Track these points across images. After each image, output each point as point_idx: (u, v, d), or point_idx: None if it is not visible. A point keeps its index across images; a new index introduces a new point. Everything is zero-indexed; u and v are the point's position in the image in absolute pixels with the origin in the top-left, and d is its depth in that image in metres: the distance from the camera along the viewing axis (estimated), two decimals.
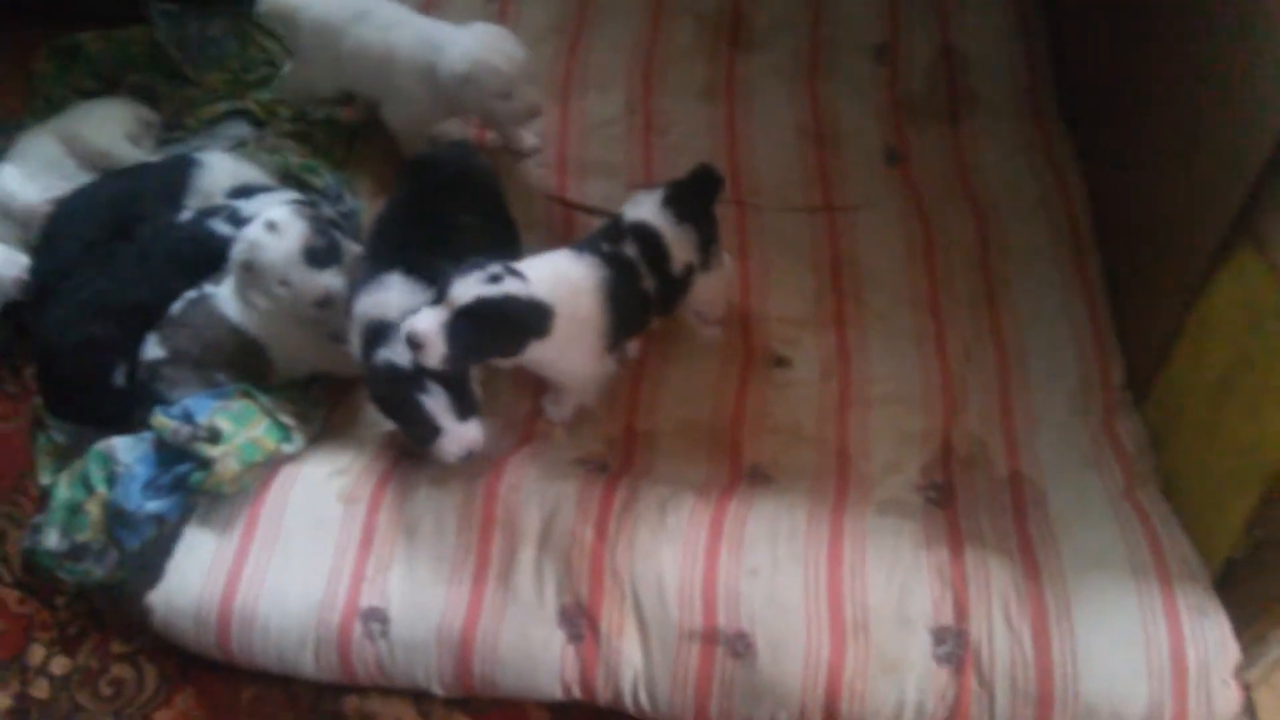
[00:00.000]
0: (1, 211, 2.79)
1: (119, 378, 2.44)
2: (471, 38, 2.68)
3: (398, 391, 2.16)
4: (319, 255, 2.36)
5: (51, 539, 2.21)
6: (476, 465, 2.27)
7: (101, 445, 2.27)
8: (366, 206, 2.88)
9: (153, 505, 2.17)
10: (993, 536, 2.22)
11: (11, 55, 3.36)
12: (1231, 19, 2.14)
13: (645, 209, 2.38)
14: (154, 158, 2.96)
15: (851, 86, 3.20)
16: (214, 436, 2.20)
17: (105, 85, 3.25)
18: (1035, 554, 2.18)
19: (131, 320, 2.44)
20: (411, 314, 2.07)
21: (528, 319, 2.11)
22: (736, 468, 2.40)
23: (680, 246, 2.36)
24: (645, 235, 2.34)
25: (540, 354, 2.17)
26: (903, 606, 2.08)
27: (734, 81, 3.23)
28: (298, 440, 2.33)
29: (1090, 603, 2.08)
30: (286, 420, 2.34)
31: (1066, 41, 3.20)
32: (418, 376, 2.13)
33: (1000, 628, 2.06)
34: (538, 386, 2.43)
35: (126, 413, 2.38)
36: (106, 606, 2.33)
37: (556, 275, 2.19)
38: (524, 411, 2.48)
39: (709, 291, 2.51)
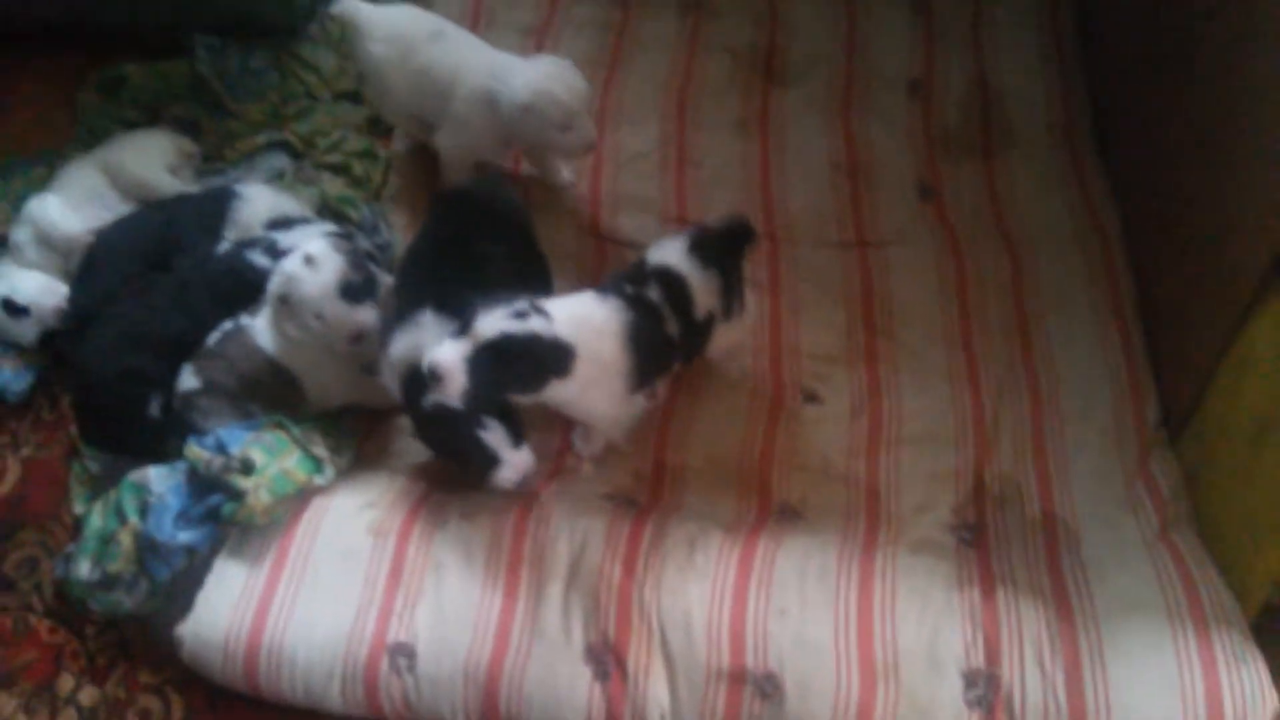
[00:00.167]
0: (43, 241, 2.82)
1: (154, 408, 2.46)
2: (536, 69, 2.69)
3: (458, 432, 2.17)
4: (355, 290, 2.37)
5: (83, 569, 2.23)
6: (506, 499, 2.27)
7: (135, 475, 2.29)
8: (400, 239, 2.90)
9: (184, 536, 2.19)
10: (1025, 578, 2.20)
11: (58, 85, 3.41)
12: (1270, 52, 2.13)
13: (670, 253, 2.38)
14: (193, 189, 3.00)
15: (885, 120, 3.21)
16: (247, 468, 2.21)
17: (148, 116, 3.29)
18: (1068, 596, 2.15)
19: (168, 351, 2.46)
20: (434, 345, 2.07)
21: (550, 358, 2.12)
22: (765, 504, 2.39)
23: (704, 292, 2.36)
24: (669, 279, 2.34)
25: (561, 393, 2.18)
26: (934, 649, 2.06)
27: (767, 115, 3.24)
28: (329, 472, 2.34)
29: (1124, 647, 2.05)
30: (319, 452, 2.35)
31: (1101, 75, 3.19)
32: (474, 413, 2.14)
33: (1032, 671, 2.03)
34: (567, 421, 2.44)
35: (161, 443, 2.40)
36: (136, 637, 2.34)
37: (580, 317, 2.19)
38: (553, 446, 2.48)
39: (727, 340, 2.50)
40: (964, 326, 2.72)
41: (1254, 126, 2.20)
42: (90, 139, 3.17)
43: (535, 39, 3.43)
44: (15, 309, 2.70)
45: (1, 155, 3.24)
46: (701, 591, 2.12)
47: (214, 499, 2.21)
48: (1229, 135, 2.29)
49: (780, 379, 2.63)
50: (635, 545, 2.19)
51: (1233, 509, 2.20)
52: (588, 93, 2.71)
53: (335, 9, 2.95)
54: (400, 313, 2.33)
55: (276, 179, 3.14)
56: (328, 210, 2.99)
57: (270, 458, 2.26)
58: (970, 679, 2.04)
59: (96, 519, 2.27)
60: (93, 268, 2.71)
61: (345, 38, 3.09)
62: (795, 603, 2.10)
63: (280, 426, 2.35)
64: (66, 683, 2.33)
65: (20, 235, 2.84)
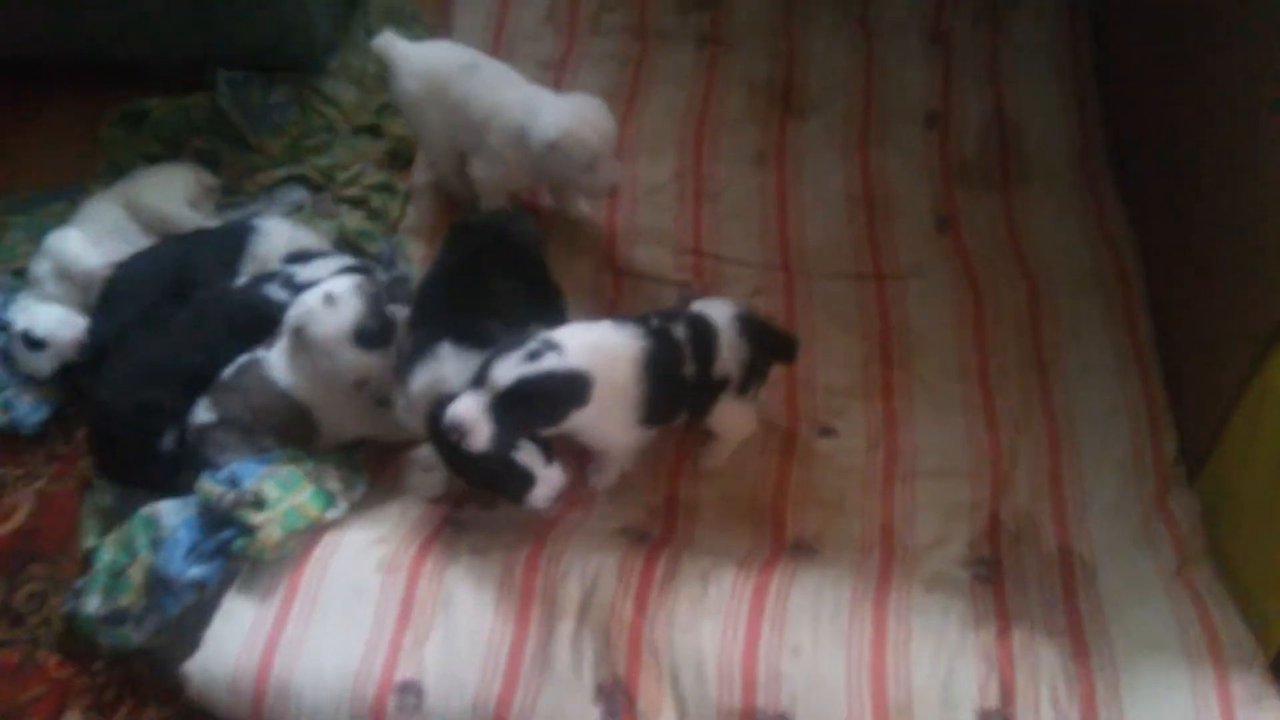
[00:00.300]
0: (62, 274, 2.84)
1: (169, 441, 2.47)
2: (566, 107, 2.69)
3: (494, 460, 2.16)
4: (368, 337, 2.38)
5: (92, 603, 2.24)
6: (518, 534, 2.27)
7: (147, 509, 2.30)
8: (418, 272, 2.91)
9: (195, 572, 2.19)
10: (1041, 616, 2.18)
11: (81, 119, 3.44)
12: None
13: (714, 308, 2.40)
14: (213, 222, 3.02)
15: (902, 153, 3.20)
16: (259, 503, 2.21)
17: (170, 150, 3.32)
18: (1084, 635, 2.13)
19: (184, 384, 2.47)
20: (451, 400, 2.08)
21: (569, 391, 2.12)
22: (779, 540, 2.38)
23: (730, 352, 2.35)
24: (701, 324, 2.34)
25: (580, 421, 2.18)
26: (948, 689, 2.03)
27: (785, 147, 3.24)
28: (341, 506, 2.34)
29: (1141, 687, 2.02)
30: (332, 486, 2.35)
31: (1119, 107, 3.17)
32: (503, 449, 2.15)
33: (1048, 713, 2.00)
34: (580, 455, 2.43)
35: (175, 476, 2.41)
36: (143, 673, 2.33)
37: (594, 343, 2.19)
38: (567, 479, 2.47)
39: (729, 418, 2.46)
40: (980, 360, 2.70)
41: (1273, 159, 2.17)
42: (112, 173, 3.20)
43: (554, 72, 3.44)
44: (34, 342, 2.73)
45: (23, 189, 3.29)
46: (714, 629, 2.10)
47: (225, 534, 2.21)
48: (1248, 167, 2.27)
49: (795, 412, 2.62)
50: (648, 581, 2.18)
51: (1252, 546, 2.17)
52: (614, 135, 2.70)
53: (374, 45, 2.97)
54: (419, 345, 2.34)
55: (296, 212, 3.16)
56: (346, 243, 3.01)
57: (283, 492, 2.26)
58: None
59: (107, 553, 2.28)
60: (111, 301, 2.73)
61: (384, 73, 3.10)
62: (809, 641, 2.08)
63: (294, 460, 2.35)
64: (73, 719, 2.32)
65: (40, 268, 2.86)
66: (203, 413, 2.42)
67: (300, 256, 2.72)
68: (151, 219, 2.97)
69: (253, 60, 3.42)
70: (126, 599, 2.21)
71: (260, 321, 2.52)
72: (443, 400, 2.15)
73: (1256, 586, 2.13)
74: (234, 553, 2.19)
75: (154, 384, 2.49)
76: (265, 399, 2.42)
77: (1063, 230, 2.95)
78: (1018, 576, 2.27)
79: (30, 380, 2.80)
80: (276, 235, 2.81)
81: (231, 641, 2.14)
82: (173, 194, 3.02)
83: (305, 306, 2.39)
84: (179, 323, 2.59)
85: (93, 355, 2.69)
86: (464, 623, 2.15)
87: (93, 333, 2.73)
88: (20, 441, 2.76)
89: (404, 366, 2.34)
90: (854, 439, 2.57)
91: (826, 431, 2.58)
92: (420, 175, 3.20)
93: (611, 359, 2.21)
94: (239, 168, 3.29)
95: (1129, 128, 3.09)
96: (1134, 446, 2.47)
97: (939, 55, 3.43)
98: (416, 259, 2.98)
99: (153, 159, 3.27)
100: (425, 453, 2.49)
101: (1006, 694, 2.02)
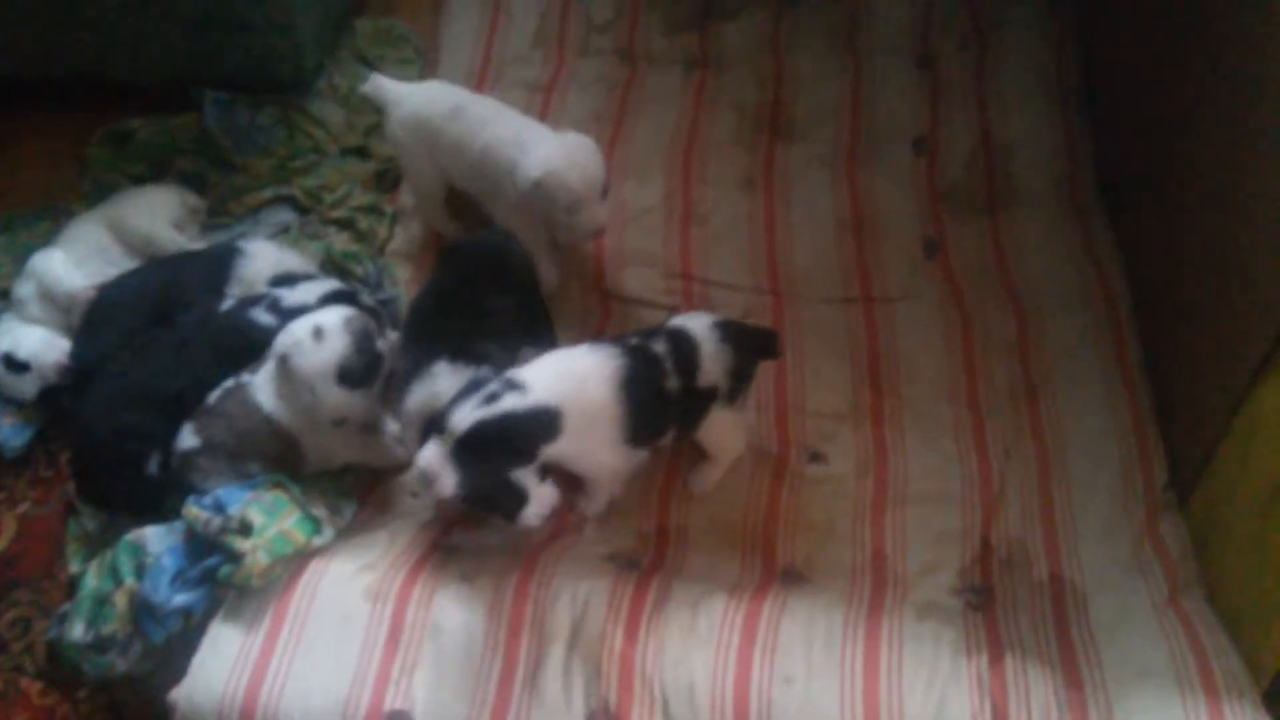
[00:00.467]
0: (46, 296, 2.82)
1: (153, 466, 2.45)
2: (555, 146, 2.65)
3: (486, 479, 2.15)
4: (352, 375, 2.35)
5: (77, 630, 2.21)
6: (507, 560, 2.25)
7: (132, 535, 2.27)
8: (405, 294, 2.90)
9: (180, 599, 2.16)
10: (1033, 643, 2.17)
11: (66, 139, 3.42)
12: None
13: (692, 320, 2.40)
14: (199, 244, 3.00)
15: (890, 177, 3.20)
16: (245, 529, 2.19)
17: (155, 170, 3.30)
18: (1077, 662, 2.12)
19: (169, 409, 2.45)
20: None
21: (533, 429, 2.12)
22: (770, 567, 2.36)
23: (713, 361, 2.34)
24: (680, 337, 2.34)
25: (560, 451, 2.18)
26: (941, 718, 2.02)
27: (773, 171, 3.23)
28: (328, 533, 2.31)
29: (1134, 716, 2.01)
30: (318, 512, 2.32)
31: (1107, 131, 3.18)
32: (475, 498, 2.15)
33: None
34: (568, 482, 2.41)
35: (159, 502, 2.38)
36: (128, 700, 2.31)
37: (560, 372, 2.20)
38: (559, 497, 2.45)
39: (719, 430, 2.46)
40: (970, 385, 2.70)
41: (1262, 184, 2.18)
42: (97, 194, 3.19)
43: (543, 95, 3.44)
44: (16, 364, 2.70)
45: (7, 209, 3.26)
46: (705, 658, 2.08)
47: (211, 560, 2.18)
48: (1237, 192, 2.28)
49: (785, 438, 2.61)
50: (638, 609, 2.16)
51: (1243, 574, 2.16)
52: (601, 180, 2.67)
53: (363, 90, 2.96)
54: (414, 365, 2.34)
55: (282, 234, 3.15)
56: (332, 265, 2.99)
57: (269, 518, 2.24)
58: None
59: (92, 579, 2.25)
60: (95, 323, 2.71)
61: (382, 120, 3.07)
62: (800, 670, 2.06)
63: (280, 486, 2.33)
64: None
65: (23, 290, 2.84)
66: (188, 437, 2.39)
67: (286, 279, 2.70)
68: (136, 240, 2.96)
69: (240, 82, 3.41)
70: (111, 626, 2.18)
71: (246, 346, 2.50)
72: (438, 417, 2.14)
73: (1247, 615, 2.13)
74: (220, 579, 2.16)
75: (138, 408, 2.47)
76: (250, 424, 2.40)
77: (1051, 254, 2.95)
78: (1009, 603, 2.27)
79: (13, 403, 2.77)
80: (262, 258, 2.79)
81: (218, 669, 2.11)
82: (158, 215, 3.00)
83: (294, 337, 2.36)
84: (164, 346, 2.56)
85: (76, 378, 2.66)
86: (453, 651, 2.12)
87: (76, 355, 2.70)
88: (3, 465, 2.73)
89: (399, 385, 2.33)
90: (844, 464, 2.56)
91: (816, 457, 2.57)
92: (407, 197, 3.18)
93: (581, 384, 2.20)
94: (225, 189, 3.27)
95: (1117, 152, 3.10)
96: (1124, 472, 2.46)
97: (927, 79, 3.44)
98: (403, 281, 2.97)
99: (138, 179, 3.25)
100: (413, 477, 2.47)
101: None
